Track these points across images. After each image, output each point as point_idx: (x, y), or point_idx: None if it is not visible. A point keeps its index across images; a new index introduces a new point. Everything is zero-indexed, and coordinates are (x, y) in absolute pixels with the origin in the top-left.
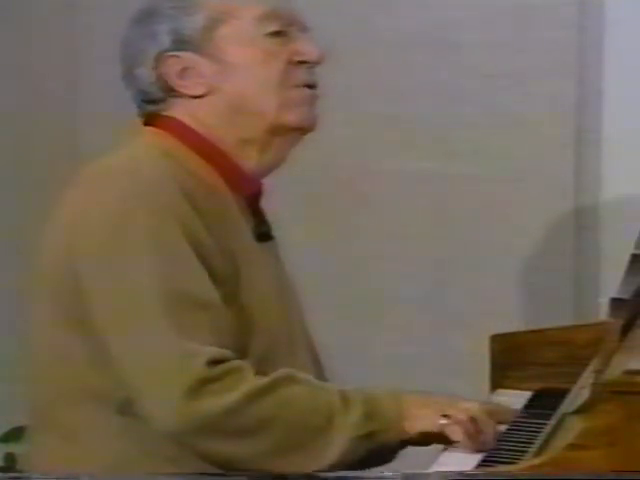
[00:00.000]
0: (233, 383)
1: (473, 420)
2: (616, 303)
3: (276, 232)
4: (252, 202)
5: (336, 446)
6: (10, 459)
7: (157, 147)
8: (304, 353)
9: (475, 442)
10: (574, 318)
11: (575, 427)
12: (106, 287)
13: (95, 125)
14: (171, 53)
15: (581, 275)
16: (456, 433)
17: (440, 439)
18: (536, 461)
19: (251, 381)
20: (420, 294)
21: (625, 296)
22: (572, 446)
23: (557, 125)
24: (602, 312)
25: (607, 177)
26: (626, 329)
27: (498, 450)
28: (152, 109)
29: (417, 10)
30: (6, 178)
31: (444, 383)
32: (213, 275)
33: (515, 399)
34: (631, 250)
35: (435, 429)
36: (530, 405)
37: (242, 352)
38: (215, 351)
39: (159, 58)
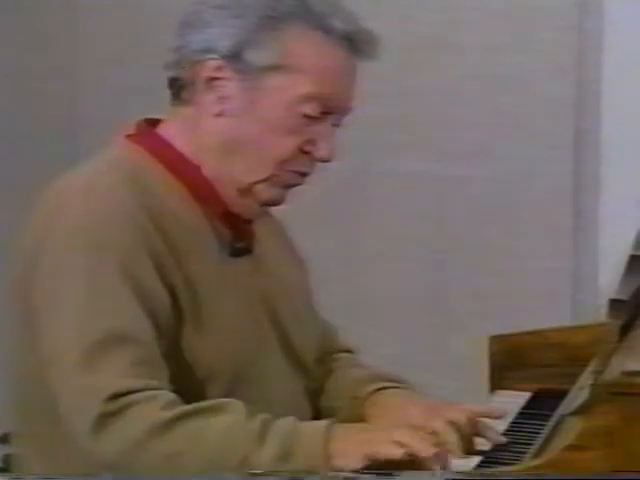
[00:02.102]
0: (130, 418)
1: (423, 439)
2: (615, 304)
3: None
4: (229, 216)
5: None
6: (9, 461)
7: (123, 167)
8: (279, 365)
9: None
10: (573, 319)
11: (574, 428)
12: (43, 318)
13: (95, 125)
14: (221, 60)
15: (580, 276)
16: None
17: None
18: (535, 462)
19: (152, 415)
20: (420, 294)
21: (624, 297)
22: (571, 447)
23: (556, 126)
24: (601, 313)
25: (606, 178)
26: (625, 330)
27: (497, 451)
28: (175, 96)
29: (417, 11)
30: (6, 178)
31: (443, 384)
32: (155, 311)
33: (514, 400)
34: (629, 251)
35: (365, 463)
36: (529, 406)
37: (208, 381)
38: (120, 385)
39: (210, 52)
